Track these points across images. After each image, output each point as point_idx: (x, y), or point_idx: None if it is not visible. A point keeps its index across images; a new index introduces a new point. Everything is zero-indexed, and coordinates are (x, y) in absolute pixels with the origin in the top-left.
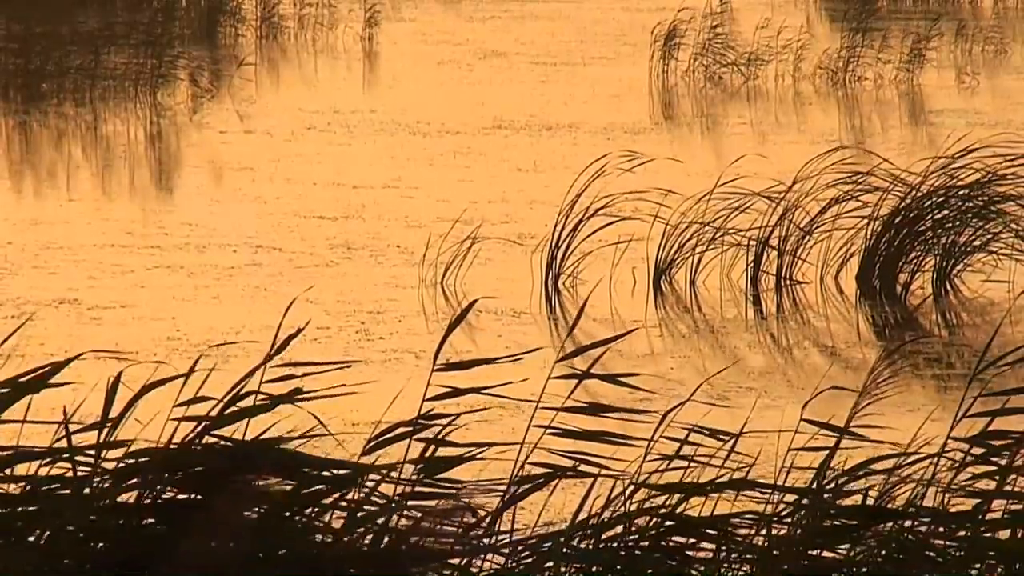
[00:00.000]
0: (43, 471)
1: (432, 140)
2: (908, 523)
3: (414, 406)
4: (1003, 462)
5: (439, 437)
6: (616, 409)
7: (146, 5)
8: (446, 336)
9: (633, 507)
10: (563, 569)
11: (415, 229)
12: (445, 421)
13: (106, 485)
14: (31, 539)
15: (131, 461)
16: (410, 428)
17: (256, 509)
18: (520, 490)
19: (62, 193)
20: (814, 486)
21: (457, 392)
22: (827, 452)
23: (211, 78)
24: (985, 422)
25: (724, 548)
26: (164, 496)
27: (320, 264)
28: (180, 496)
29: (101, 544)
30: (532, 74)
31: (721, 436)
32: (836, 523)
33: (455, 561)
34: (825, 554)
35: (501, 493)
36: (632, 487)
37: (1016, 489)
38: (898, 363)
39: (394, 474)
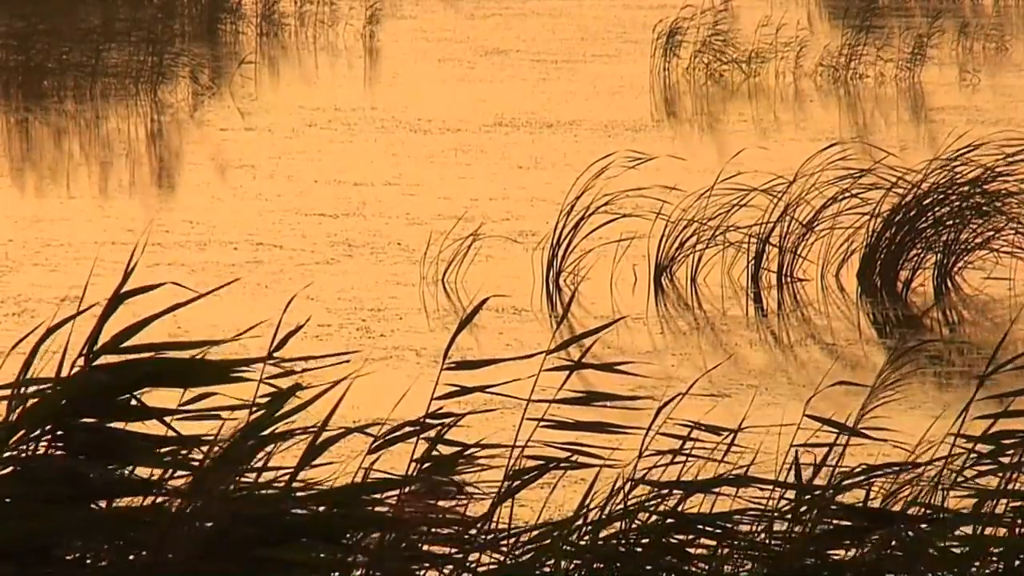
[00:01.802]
0: None
1: (433, 137)
2: (910, 523)
3: (413, 403)
4: (1007, 461)
5: (442, 436)
6: (609, 397)
7: (147, 2)
8: (454, 336)
9: (633, 504)
10: (563, 566)
11: (416, 226)
12: (451, 421)
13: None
14: None
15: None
16: (416, 428)
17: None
18: (515, 484)
19: (63, 190)
20: (815, 483)
21: (464, 391)
22: (828, 449)
23: (212, 75)
24: (989, 424)
25: (725, 545)
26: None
27: (321, 261)
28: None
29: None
30: (533, 71)
31: (721, 431)
32: (837, 521)
33: (454, 558)
34: (826, 551)
35: (497, 487)
36: (631, 483)
37: (1018, 488)
38: (901, 362)
39: (394, 471)
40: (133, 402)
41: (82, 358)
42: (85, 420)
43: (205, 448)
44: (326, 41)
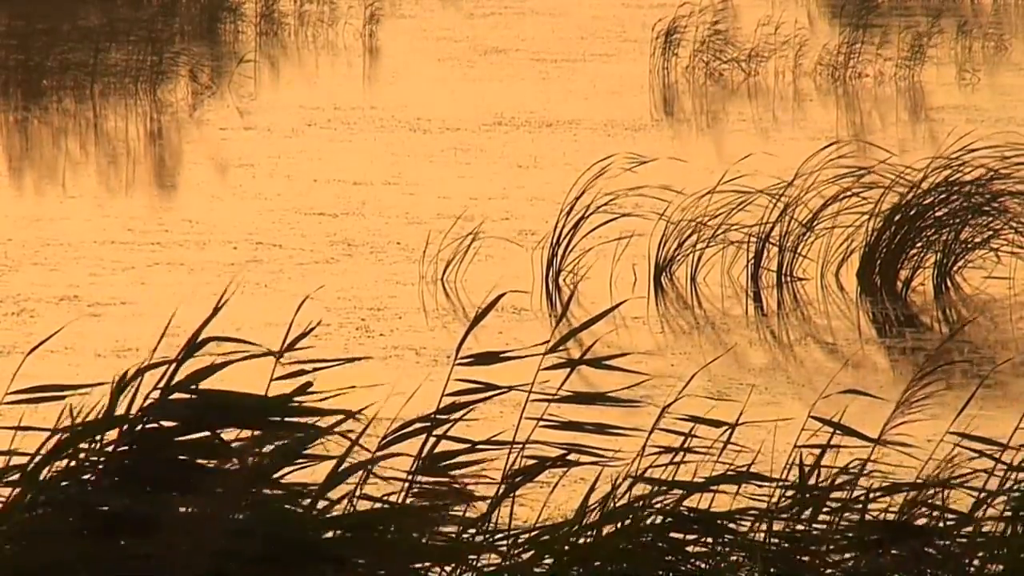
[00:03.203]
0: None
1: (432, 137)
2: (911, 523)
3: (415, 402)
4: (1008, 461)
5: (445, 436)
6: (608, 398)
7: (147, 1)
8: (469, 330)
9: (633, 503)
10: (563, 566)
11: (415, 226)
12: (454, 420)
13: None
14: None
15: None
16: (423, 426)
17: (245, 492)
18: (514, 483)
19: (62, 189)
20: (815, 483)
21: (467, 390)
22: (824, 449)
23: (211, 75)
24: (993, 425)
25: (725, 545)
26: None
27: (320, 261)
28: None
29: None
30: (532, 71)
31: (720, 424)
32: (838, 521)
33: (454, 557)
34: (826, 551)
35: (496, 486)
36: (630, 481)
37: (1019, 487)
38: (924, 372)
39: (394, 470)
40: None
41: (156, 391)
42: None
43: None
44: (326, 40)
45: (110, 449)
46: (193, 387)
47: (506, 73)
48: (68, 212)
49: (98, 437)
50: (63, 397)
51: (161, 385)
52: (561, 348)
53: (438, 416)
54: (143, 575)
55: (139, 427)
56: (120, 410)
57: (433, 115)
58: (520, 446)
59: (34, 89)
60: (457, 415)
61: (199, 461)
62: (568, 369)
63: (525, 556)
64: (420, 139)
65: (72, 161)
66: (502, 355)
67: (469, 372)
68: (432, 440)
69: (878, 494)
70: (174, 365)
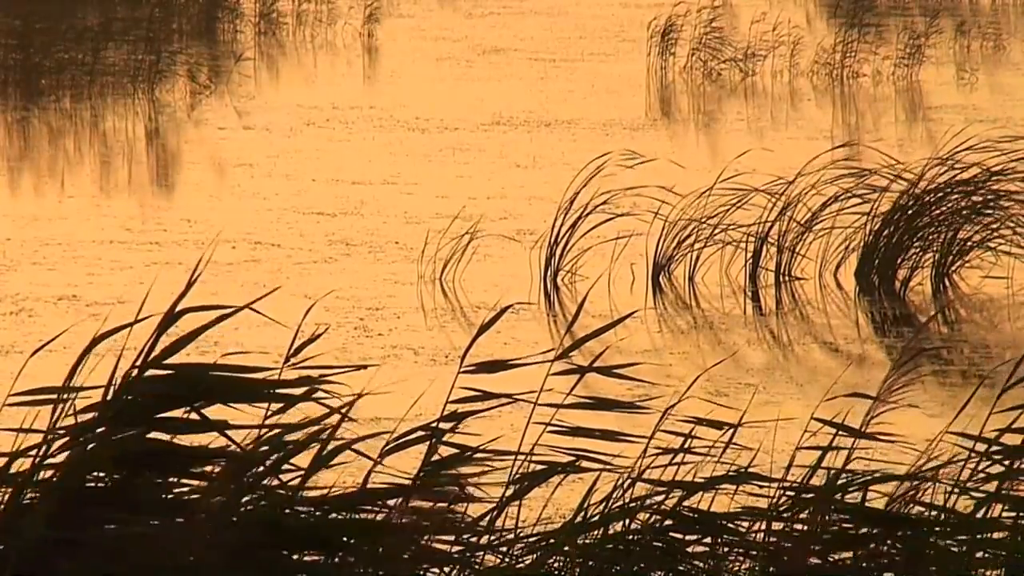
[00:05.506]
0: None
1: (431, 136)
2: (910, 523)
3: (418, 404)
4: (1006, 460)
5: (451, 439)
6: (617, 404)
7: (145, 1)
8: (476, 338)
9: (634, 503)
10: (565, 566)
11: (414, 225)
12: (459, 425)
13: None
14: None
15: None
16: (428, 432)
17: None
18: (519, 488)
19: (60, 189)
20: (815, 484)
21: (475, 397)
22: (826, 450)
23: (210, 74)
24: (991, 424)
25: (725, 545)
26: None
27: (319, 260)
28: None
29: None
30: (531, 70)
31: (722, 424)
32: (838, 521)
33: (456, 558)
34: (826, 551)
35: (501, 490)
36: (630, 482)
37: (1018, 487)
38: (906, 368)
39: (400, 472)
40: (180, 415)
41: (135, 369)
42: (131, 431)
43: (224, 459)
44: (324, 40)
45: (97, 429)
46: (172, 364)
47: (504, 73)
48: (66, 212)
49: (81, 419)
50: (63, 400)
51: (148, 360)
52: (568, 355)
53: (442, 422)
54: (136, 561)
55: (122, 406)
56: (106, 393)
57: (431, 115)
58: (527, 451)
59: (32, 89)
60: (462, 420)
61: (196, 444)
62: (576, 376)
63: (528, 557)
64: (418, 139)
65: (70, 161)
66: (508, 363)
67: (473, 377)
68: (437, 444)
69: (876, 494)
70: (152, 340)
